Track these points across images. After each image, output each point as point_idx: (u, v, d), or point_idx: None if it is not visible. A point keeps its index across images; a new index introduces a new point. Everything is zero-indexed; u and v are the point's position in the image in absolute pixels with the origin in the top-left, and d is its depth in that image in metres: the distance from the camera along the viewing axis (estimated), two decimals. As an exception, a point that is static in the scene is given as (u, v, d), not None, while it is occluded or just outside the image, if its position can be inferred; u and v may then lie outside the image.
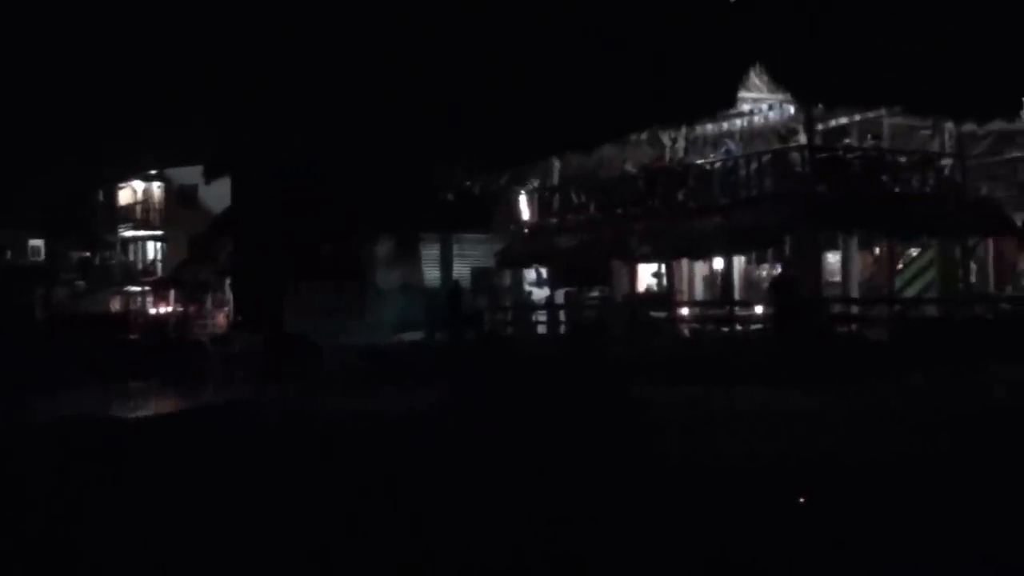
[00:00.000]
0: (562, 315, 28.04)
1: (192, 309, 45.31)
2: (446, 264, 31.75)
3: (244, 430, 14.12)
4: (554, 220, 28.05)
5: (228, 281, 38.87)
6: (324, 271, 30.46)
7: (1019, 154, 25.69)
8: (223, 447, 12.49)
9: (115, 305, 51.09)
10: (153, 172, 51.43)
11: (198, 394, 20.41)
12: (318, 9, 29.06)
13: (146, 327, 38.23)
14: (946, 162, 23.97)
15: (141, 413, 17.44)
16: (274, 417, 15.57)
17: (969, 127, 24.10)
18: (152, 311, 48.69)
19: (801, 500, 8.89)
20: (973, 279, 25.42)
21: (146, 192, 53.13)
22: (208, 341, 31.42)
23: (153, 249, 53.95)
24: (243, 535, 8.22)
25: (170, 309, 48.23)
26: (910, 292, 25.25)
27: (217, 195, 40.05)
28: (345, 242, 30.96)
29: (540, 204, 28.96)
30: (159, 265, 53.10)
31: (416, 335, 27.83)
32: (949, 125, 23.94)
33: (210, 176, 37.22)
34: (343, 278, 30.56)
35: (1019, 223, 23.49)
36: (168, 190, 51.91)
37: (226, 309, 40.20)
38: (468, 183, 30.97)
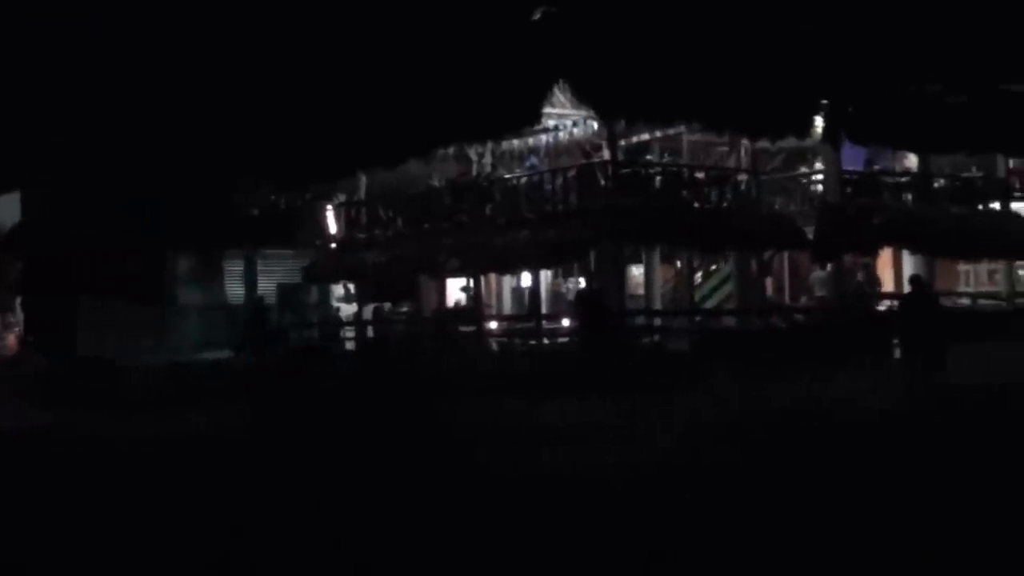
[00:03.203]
0: (370, 331, 27.75)
1: (-21, 331, 42.94)
2: (250, 280, 30.97)
3: (26, 456, 13.43)
4: (362, 235, 27.73)
5: (19, 300, 36.98)
6: (121, 289, 29.25)
7: (809, 170, 26.80)
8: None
9: None
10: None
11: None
12: (117, 14, 27.93)
13: (-73, 350, 35.96)
14: (742, 178, 24.73)
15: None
16: (60, 442, 14.85)
17: (763, 144, 24.99)
18: (-65, 333, 45.94)
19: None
20: (769, 291, 26.34)
21: (-72, 208, 50.11)
22: (-3, 363, 29.86)
23: (-64, 268, 50.94)
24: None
25: (-45, 331, 45.63)
26: (709, 304, 25.99)
27: (6, 211, 38.08)
28: (143, 259, 29.80)
29: (347, 219, 28.59)
30: (-57, 285, 50.16)
31: (220, 353, 27.03)
32: (744, 142, 24.76)
33: (-4, 191, 35.33)
34: (141, 296, 29.42)
35: (810, 236, 24.39)
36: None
37: (17, 330, 38.27)
38: (273, 198, 30.35)
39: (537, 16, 22.43)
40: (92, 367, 23.66)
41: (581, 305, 21.40)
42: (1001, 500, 8.74)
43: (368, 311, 28.40)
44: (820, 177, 25.76)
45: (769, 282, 26.39)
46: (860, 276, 26.09)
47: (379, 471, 10.70)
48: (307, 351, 25.01)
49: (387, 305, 28.93)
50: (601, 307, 20.69)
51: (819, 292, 25.90)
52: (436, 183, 26.88)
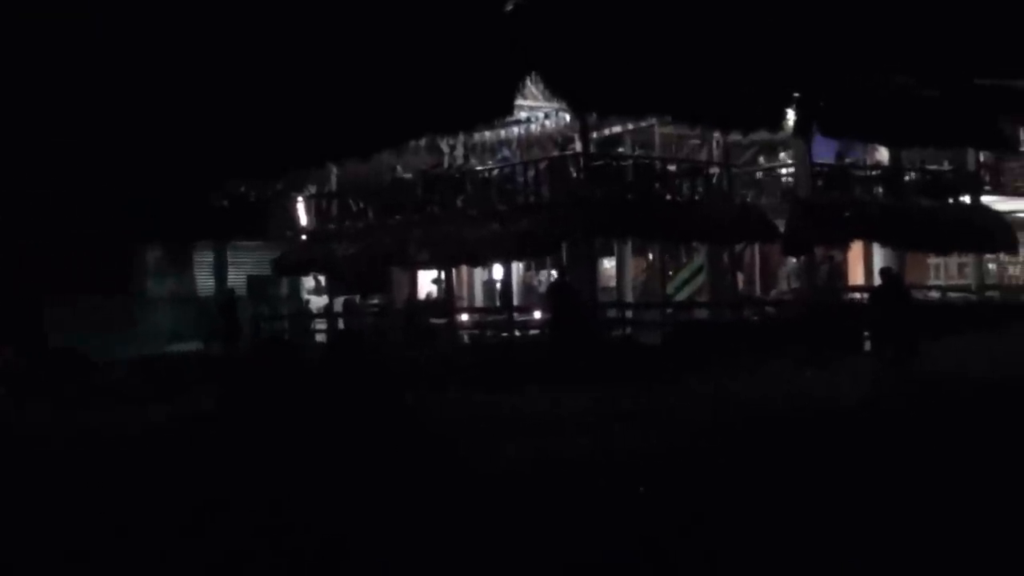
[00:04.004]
0: (341, 323, 27.63)
1: (-54, 324, 42.51)
2: (220, 272, 30.79)
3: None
4: (332, 227, 27.61)
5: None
6: (90, 281, 28.98)
7: (779, 163, 26.88)
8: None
9: None
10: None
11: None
12: (84, 8, 27.66)
13: None
14: (714, 171, 24.77)
15: None
16: (32, 433, 14.73)
17: (735, 137, 25.02)
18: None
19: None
20: (740, 283, 26.40)
21: None
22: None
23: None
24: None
25: (-79, 324, 45.13)
26: (681, 296, 26.01)
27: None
28: (112, 251, 29.54)
29: (318, 210, 28.46)
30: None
31: (190, 346, 26.86)
32: (716, 135, 24.78)
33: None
34: (110, 288, 29.17)
35: (781, 229, 24.45)
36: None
37: (-15, 322, 37.88)
38: (243, 189, 30.14)
39: (510, 8, 22.37)
40: (62, 360, 23.41)
41: (553, 298, 21.35)
42: (970, 488, 8.75)
43: (339, 303, 28.27)
44: (791, 170, 25.82)
45: (741, 275, 26.46)
46: (825, 268, 26.18)
47: (348, 464, 10.62)
48: (270, 343, 24.81)
49: (358, 297, 28.81)
50: (573, 300, 20.66)
51: (795, 284, 25.99)
52: (407, 174, 26.69)
